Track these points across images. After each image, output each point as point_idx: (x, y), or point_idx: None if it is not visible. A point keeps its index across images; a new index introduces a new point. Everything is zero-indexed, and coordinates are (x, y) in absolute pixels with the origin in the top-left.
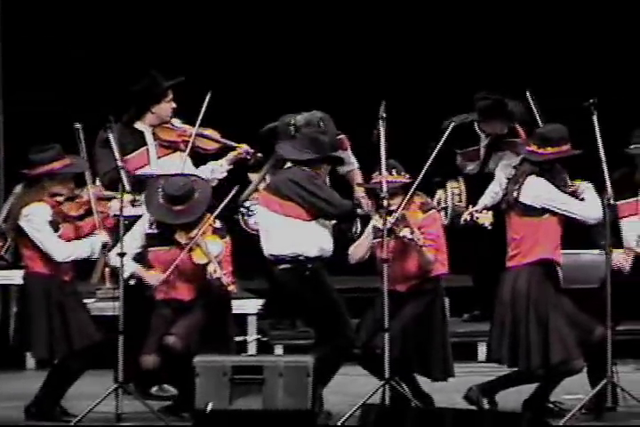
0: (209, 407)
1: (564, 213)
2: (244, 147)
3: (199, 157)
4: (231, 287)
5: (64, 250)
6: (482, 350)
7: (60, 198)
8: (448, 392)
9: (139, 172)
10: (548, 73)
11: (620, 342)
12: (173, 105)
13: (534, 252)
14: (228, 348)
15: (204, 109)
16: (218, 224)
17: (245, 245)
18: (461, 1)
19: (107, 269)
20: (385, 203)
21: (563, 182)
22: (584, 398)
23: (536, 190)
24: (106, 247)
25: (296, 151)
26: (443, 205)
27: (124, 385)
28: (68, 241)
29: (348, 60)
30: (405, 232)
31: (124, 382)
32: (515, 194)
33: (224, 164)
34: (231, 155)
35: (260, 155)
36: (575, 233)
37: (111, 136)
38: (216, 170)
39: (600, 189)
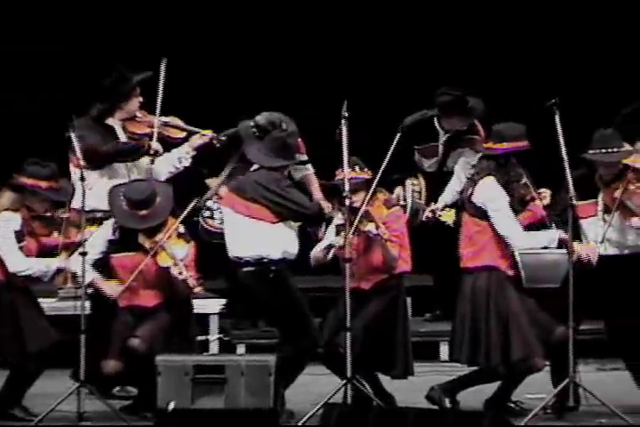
0: (171, 407)
1: (496, 225)
2: (210, 133)
3: (168, 148)
4: (197, 289)
5: (22, 263)
6: (444, 349)
7: (33, 213)
8: (410, 391)
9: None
10: (510, 72)
11: (582, 342)
12: (140, 99)
13: (481, 256)
14: (191, 349)
15: (160, 97)
16: (182, 229)
17: (207, 245)
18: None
19: None
20: (347, 201)
21: (517, 178)
22: (546, 397)
23: (487, 193)
24: (61, 273)
25: (264, 156)
26: (402, 202)
27: (86, 385)
28: (27, 256)
29: (310, 58)
30: (370, 227)
31: (87, 382)
32: (469, 193)
33: (189, 150)
34: (194, 139)
35: (223, 138)
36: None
37: (73, 136)
38: (182, 157)
39: (563, 189)
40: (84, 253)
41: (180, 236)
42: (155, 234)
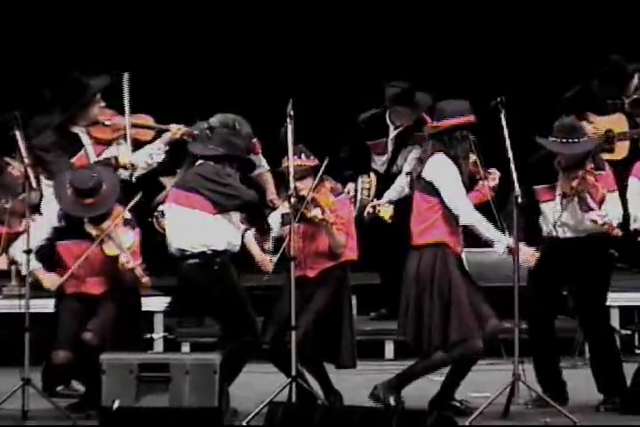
0: (115, 405)
1: (446, 199)
2: (182, 127)
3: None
4: (145, 279)
5: None
6: (389, 348)
7: None
8: (355, 390)
9: None
10: (457, 69)
11: (528, 341)
12: (102, 104)
13: (430, 232)
14: (139, 342)
15: (127, 97)
16: (128, 215)
17: (153, 243)
18: None
19: (13, 268)
20: (293, 190)
21: (465, 154)
22: (491, 396)
23: (437, 168)
24: None
25: (206, 148)
26: (351, 197)
27: (31, 383)
28: None
29: (255, 58)
30: (316, 212)
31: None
32: (419, 170)
33: (161, 146)
34: (167, 135)
35: (196, 132)
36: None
37: (18, 134)
38: (154, 153)
39: (509, 187)
40: (28, 251)
41: (126, 222)
42: (101, 222)
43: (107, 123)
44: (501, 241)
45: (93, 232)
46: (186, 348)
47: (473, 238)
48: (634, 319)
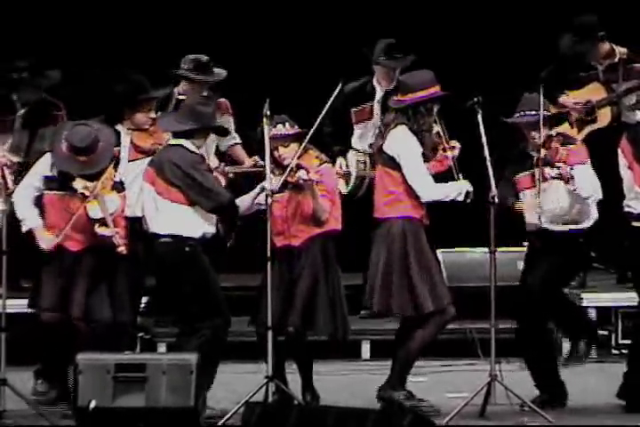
0: (92, 405)
1: (406, 175)
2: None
3: None
4: (121, 248)
5: None
6: (365, 348)
7: None
8: (333, 391)
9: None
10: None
11: (504, 341)
12: (152, 115)
13: (396, 206)
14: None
15: (171, 108)
16: (117, 178)
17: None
18: None
19: None
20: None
21: (428, 127)
22: (468, 396)
23: (398, 143)
24: None
25: (175, 123)
26: (344, 170)
27: (7, 383)
28: None
29: (234, 59)
30: (301, 173)
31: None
32: (380, 144)
33: None
34: None
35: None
36: (460, 232)
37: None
38: None
39: (485, 187)
40: (4, 253)
41: (114, 185)
42: (91, 180)
43: (157, 133)
44: (462, 191)
45: (80, 188)
46: (162, 348)
47: (449, 239)
48: (610, 320)
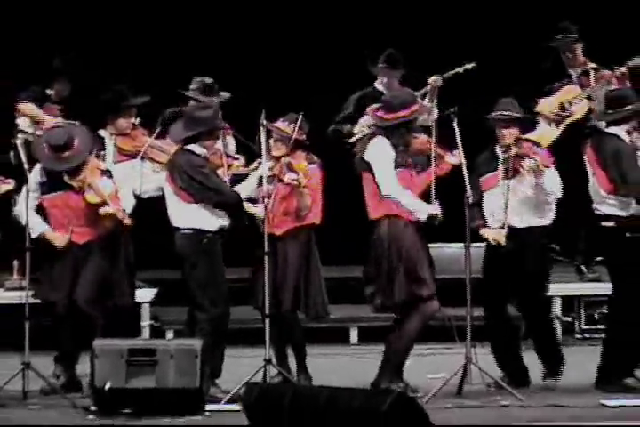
0: (107, 386)
1: (376, 177)
2: None
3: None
4: (127, 221)
5: None
6: (353, 334)
7: None
8: (324, 373)
9: None
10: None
11: (479, 327)
12: (133, 120)
13: (382, 206)
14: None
15: (159, 124)
16: (104, 166)
17: (141, 238)
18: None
19: (15, 262)
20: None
21: (405, 144)
22: (446, 377)
23: (374, 150)
24: None
25: (180, 131)
26: None
27: (30, 366)
28: None
29: (230, 70)
30: (291, 176)
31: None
32: (362, 152)
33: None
34: None
35: None
36: (438, 228)
37: (19, 142)
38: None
39: (461, 190)
40: (29, 249)
41: (102, 173)
42: (78, 173)
43: (139, 136)
44: (422, 211)
45: (74, 184)
46: (170, 335)
47: (431, 236)
48: (574, 307)
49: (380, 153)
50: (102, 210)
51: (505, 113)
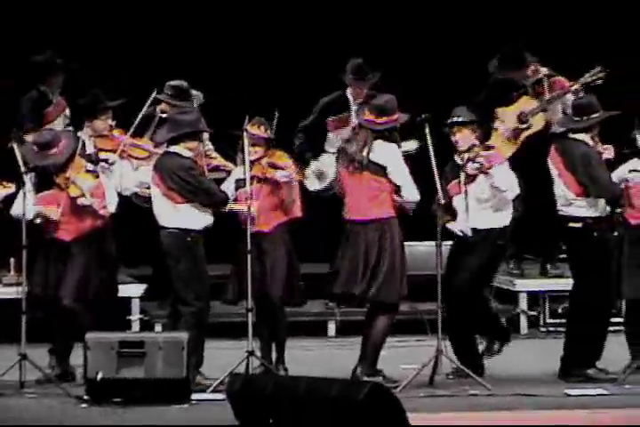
0: (99, 376)
1: (397, 181)
2: None
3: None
4: (102, 211)
5: None
6: (331, 327)
7: None
8: (303, 364)
9: None
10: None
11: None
12: (110, 122)
13: (384, 208)
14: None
15: (137, 121)
16: (90, 166)
17: (129, 236)
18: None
19: (11, 260)
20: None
21: (397, 142)
22: (419, 367)
23: (388, 152)
24: None
25: (164, 134)
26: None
27: (27, 357)
28: None
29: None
30: (282, 173)
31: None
32: (364, 154)
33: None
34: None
35: None
36: (413, 227)
37: (15, 146)
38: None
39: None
40: (25, 247)
41: (87, 171)
42: (64, 171)
43: (116, 135)
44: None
45: (59, 181)
46: (158, 328)
47: (407, 232)
48: (539, 302)
49: (395, 157)
50: (79, 200)
51: (457, 118)
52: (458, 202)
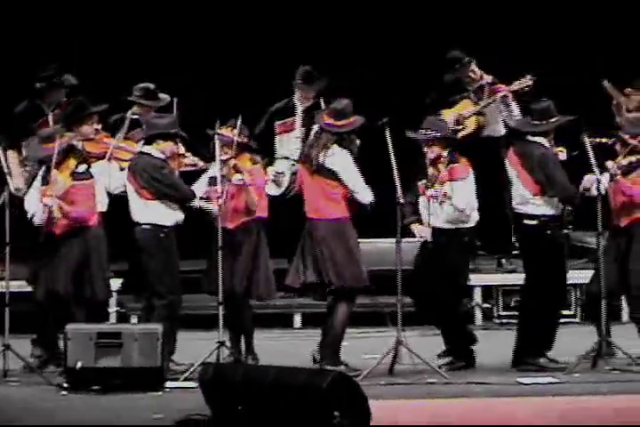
0: (78, 365)
1: (349, 186)
2: None
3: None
4: (55, 214)
5: None
6: (297, 319)
7: None
8: (271, 354)
9: None
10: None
11: (409, 313)
12: (96, 126)
13: (331, 209)
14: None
15: (126, 126)
16: (80, 168)
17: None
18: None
19: None
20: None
21: (356, 149)
22: (380, 357)
23: (340, 160)
24: None
25: (140, 135)
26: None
27: (10, 348)
28: None
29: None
30: (238, 176)
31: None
32: (321, 159)
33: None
34: None
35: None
36: (375, 223)
37: (0, 153)
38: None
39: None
40: (8, 244)
41: (72, 173)
42: (57, 168)
43: (105, 140)
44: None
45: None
46: (134, 320)
47: (365, 232)
48: (492, 296)
49: (347, 163)
50: (43, 199)
51: (425, 133)
52: (423, 203)
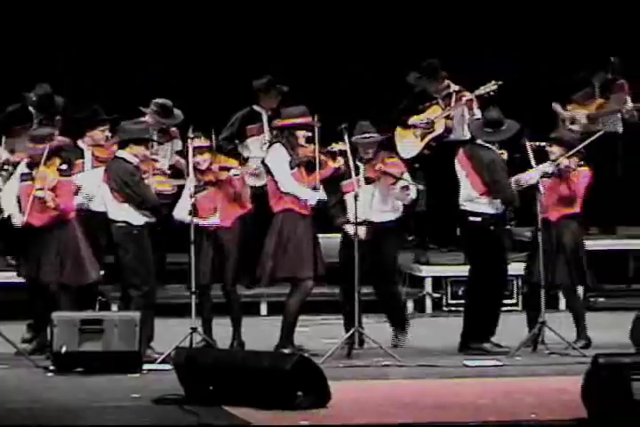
0: (63, 350)
1: (275, 178)
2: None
3: None
4: (49, 203)
5: None
6: (263, 307)
7: None
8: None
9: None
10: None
11: (366, 302)
12: (107, 133)
13: (281, 202)
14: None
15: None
16: (64, 166)
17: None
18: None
19: None
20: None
21: (298, 146)
22: (338, 342)
23: (272, 155)
24: None
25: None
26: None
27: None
28: None
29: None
30: (233, 171)
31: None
32: (264, 157)
33: None
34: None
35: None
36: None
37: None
38: None
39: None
40: None
41: (60, 170)
42: (45, 164)
43: (108, 145)
44: (313, 198)
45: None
46: (114, 308)
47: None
48: (442, 285)
49: (276, 158)
50: (35, 192)
51: (366, 136)
52: (350, 199)
